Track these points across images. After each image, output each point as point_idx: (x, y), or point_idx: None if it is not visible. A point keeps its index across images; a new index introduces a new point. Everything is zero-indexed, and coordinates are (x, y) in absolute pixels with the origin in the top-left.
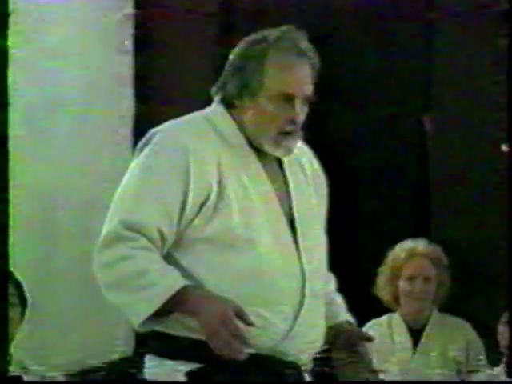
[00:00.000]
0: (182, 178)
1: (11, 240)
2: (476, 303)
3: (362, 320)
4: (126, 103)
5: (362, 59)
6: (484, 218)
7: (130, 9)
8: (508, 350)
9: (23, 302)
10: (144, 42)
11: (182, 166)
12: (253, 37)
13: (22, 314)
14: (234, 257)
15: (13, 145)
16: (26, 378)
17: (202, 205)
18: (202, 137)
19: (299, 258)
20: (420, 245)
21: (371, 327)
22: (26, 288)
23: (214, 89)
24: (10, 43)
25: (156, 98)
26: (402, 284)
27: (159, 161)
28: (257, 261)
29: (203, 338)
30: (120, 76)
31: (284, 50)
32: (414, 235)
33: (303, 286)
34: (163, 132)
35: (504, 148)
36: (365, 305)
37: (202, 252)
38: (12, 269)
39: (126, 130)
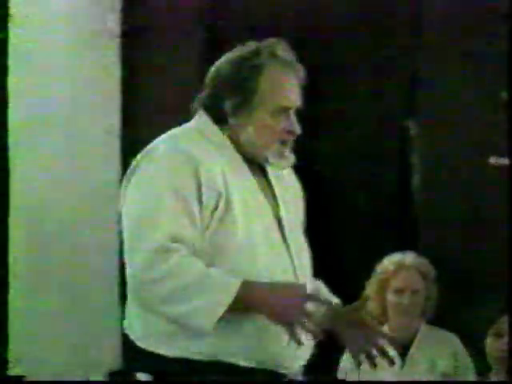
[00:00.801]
0: (195, 187)
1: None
2: (464, 315)
3: None
4: (113, 118)
5: (346, 60)
6: (473, 230)
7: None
8: (508, 353)
9: None
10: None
11: (193, 176)
12: (241, 52)
13: None
14: (236, 265)
15: None
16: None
17: (212, 213)
18: (203, 147)
19: (292, 263)
20: (408, 257)
21: None
22: None
23: (197, 103)
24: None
25: (143, 113)
26: (390, 297)
27: (172, 174)
28: (256, 268)
29: (192, 357)
30: (107, 91)
31: (278, 65)
32: (402, 248)
33: None
34: (164, 145)
35: (493, 161)
36: None
37: (207, 260)
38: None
39: (114, 142)
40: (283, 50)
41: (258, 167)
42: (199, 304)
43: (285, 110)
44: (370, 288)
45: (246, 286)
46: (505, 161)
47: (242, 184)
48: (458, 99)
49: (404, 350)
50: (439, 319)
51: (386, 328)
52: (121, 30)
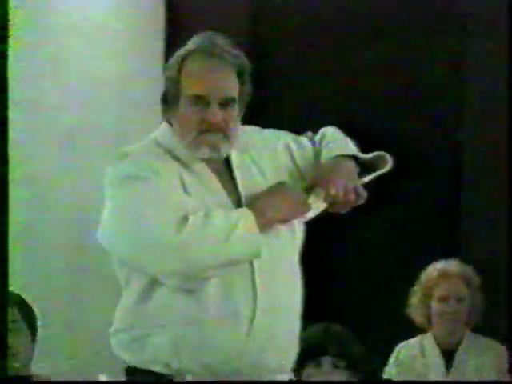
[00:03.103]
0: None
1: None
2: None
3: (395, 341)
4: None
5: (394, 74)
6: None
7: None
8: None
9: (33, 327)
10: None
11: (157, 185)
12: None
13: (33, 339)
14: None
15: None
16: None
17: None
18: (160, 160)
19: (251, 271)
20: (452, 265)
21: (403, 348)
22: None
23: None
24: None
25: None
26: (435, 304)
27: (142, 184)
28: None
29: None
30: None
31: (198, 55)
32: (446, 256)
33: (254, 300)
34: (129, 160)
35: None
36: (397, 326)
37: None
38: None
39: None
40: (210, 41)
41: (223, 162)
42: (239, 234)
43: (205, 101)
44: (415, 296)
45: (252, 207)
46: None
47: (202, 189)
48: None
49: (449, 358)
50: (484, 327)
51: (430, 336)
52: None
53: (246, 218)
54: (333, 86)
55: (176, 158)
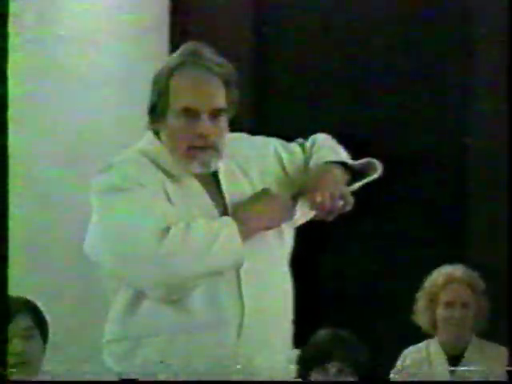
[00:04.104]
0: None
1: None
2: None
3: (401, 347)
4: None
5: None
6: None
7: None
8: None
9: (45, 333)
10: None
11: (140, 196)
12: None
13: (44, 345)
14: None
15: None
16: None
17: None
18: (144, 170)
19: (237, 276)
20: (457, 270)
21: (409, 354)
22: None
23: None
24: None
25: None
26: (440, 310)
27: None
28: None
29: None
30: None
31: (187, 67)
32: (451, 261)
33: (241, 305)
34: (113, 171)
35: None
36: (403, 331)
37: None
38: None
39: None
40: (199, 53)
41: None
42: (220, 245)
43: (196, 114)
44: (420, 301)
45: (235, 217)
46: None
47: (188, 200)
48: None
49: (455, 364)
50: (490, 333)
51: (436, 341)
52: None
53: (228, 228)
54: (338, 89)
55: (161, 168)
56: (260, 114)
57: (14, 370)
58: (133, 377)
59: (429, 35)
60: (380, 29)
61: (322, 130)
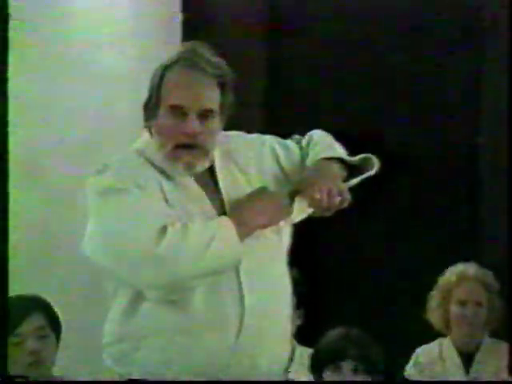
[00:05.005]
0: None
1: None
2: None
3: (414, 345)
4: None
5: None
6: None
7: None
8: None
9: (58, 332)
10: None
11: (136, 197)
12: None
13: (57, 344)
14: None
15: None
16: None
17: None
18: (140, 170)
19: (237, 275)
20: (471, 269)
21: (422, 352)
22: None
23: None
24: None
25: None
26: (453, 308)
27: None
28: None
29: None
30: None
31: (181, 66)
32: (464, 259)
33: (241, 304)
34: (109, 172)
35: None
36: (416, 329)
37: None
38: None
39: None
40: (193, 52)
41: (207, 170)
42: (217, 244)
43: (184, 113)
44: (433, 300)
45: (232, 216)
46: None
47: (186, 199)
48: None
49: (468, 362)
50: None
51: (449, 340)
52: None
53: (225, 227)
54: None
55: (157, 168)
56: (272, 116)
57: (28, 369)
58: (133, 377)
59: (440, 36)
60: (389, 30)
61: (334, 132)
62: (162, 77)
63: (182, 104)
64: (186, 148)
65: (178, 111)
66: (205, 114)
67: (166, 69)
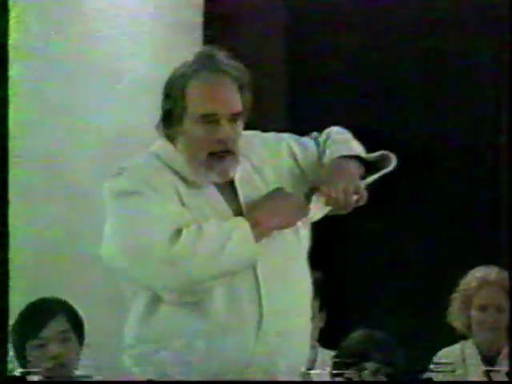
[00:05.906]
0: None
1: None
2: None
3: (436, 348)
4: None
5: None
6: None
7: None
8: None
9: (81, 334)
10: None
11: (152, 200)
12: (182, 63)
13: (80, 346)
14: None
15: None
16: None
17: None
18: (157, 173)
19: (255, 276)
20: (492, 273)
21: (444, 355)
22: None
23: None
24: None
25: None
26: (474, 313)
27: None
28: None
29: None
30: None
31: (203, 72)
32: (486, 262)
33: (260, 305)
34: (125, 175)
35: None
36: (438, 332)
37: None
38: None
39: None
40: (213, 56)
41: None
42: (232, 245)
43: (215, 119)
44: (454, 304)
45: (248, 217)
46: None
47: (204, 203)
48: None
49: (491, 366)
50: None
51: (471, 343)
52: None
53: (240, 228)
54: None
55: (174, 171)
56: (293, 112)
57: (50, 372)
58: (153, 379)
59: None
60: (408, 27)
61: (353, 128)
62: (184, 85)
63: (215, 111)
64: (218, 156)
65: (210, 119)
66: (234, 118)
67: (187, 77)
